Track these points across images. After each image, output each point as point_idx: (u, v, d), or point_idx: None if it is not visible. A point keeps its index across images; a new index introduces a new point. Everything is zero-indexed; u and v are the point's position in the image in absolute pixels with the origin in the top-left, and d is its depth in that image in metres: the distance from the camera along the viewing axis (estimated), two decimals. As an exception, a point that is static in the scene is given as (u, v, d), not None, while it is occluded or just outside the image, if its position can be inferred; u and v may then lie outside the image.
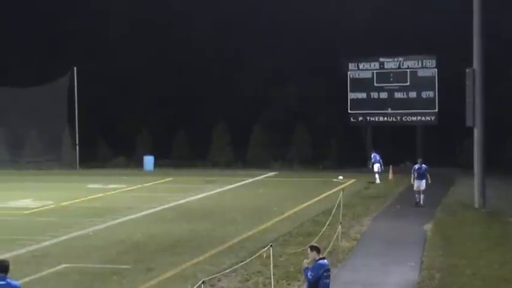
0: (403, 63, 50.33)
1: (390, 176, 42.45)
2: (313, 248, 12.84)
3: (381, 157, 41.60)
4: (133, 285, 17.40)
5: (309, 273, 12.54)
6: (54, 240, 23.59)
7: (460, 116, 31.97)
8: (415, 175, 31.22)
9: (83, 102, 53.85)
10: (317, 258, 12.64)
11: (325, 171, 48.66)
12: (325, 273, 12.56)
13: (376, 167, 41.15)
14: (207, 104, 57.45)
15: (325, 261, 12.74)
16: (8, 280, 11.03)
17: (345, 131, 53.40)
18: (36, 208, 31.50)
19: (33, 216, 29.20)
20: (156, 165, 52.59)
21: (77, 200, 34.07)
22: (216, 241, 23.03)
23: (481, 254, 20.20)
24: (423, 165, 31.48)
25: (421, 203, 30.87)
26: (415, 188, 31.30)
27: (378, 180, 40.56)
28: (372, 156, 41.90)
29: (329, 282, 12.70)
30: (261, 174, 47.34)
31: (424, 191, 30.99)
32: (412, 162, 33.71)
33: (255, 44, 56.29)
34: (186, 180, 43.61)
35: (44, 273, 18.80)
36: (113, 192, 37.94)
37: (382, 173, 41.37)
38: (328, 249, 20.03)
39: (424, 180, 31.04)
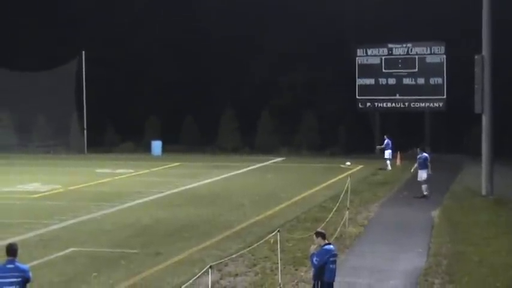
0: (411, 49, 50.28)
1: (398, 162, 42.39)
2: (318, 234, 12.84)
3: (392, 143, 41.36)
4: (141, 269, 17.46)
5: (314, 259, 12.54)
6: (62, 224, 23.68)
7: (468, 102, 31.82)
8: (417, 164, 30.14)
9: (91, 86, 53.91)
10: (322, 244, 12.63)
11: (332, 157, 48.73)
12: (331, 259, 12.55)
13: (388, 153, 40.90)
14: (216, 90, 57.44)
15: (331, 246, 12.72)
16: (17, 263, 11.10)
17: (353, 117, 53.33)
18: (45, 192, 31.63)
19: (41, 200, 29.32)
20: (164, 150, 52.74)
21: (85, 185, 34.19)
22: (224, 226, 23.08)
23: (488, 241, 20.19)
24: (423, 153, 30.02)
25: (424, 193, 29.47)
26: (417, 179, 30.10)
27: (389, 167, 40.39)
28: (386, 142, 41.41)
29: (335, 268, 12.69)
30: (268, 160, 47.39)
31: (425, 181, 29.57)
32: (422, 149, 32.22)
33: (263, 30, 56.18)
34: (194, 166, 43.69)
35: (52, 256, 18.88)
36: (121, 176, 38.03)
37: (391, 159, 41.28)
38: (335, 235, 20.09)
39: (424, 170, 29.57)
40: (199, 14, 58.43)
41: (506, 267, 17.27)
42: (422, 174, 29.80)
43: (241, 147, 54.10)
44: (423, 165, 29.82)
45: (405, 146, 46.56)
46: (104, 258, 18.68)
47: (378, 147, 42.29)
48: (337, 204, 23.23)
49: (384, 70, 50.68)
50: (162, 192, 31.54)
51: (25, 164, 45.19)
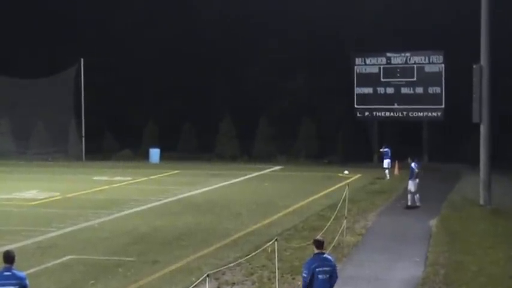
0: (410, 59, 50.33)
1: (396, 171, 42.38)
2: (313, 241, 12.20)
3: (391, 152, 41.32)
4: (138, 277, 17.42)
5: (303, 271, 11.87)
6: (60, 232, 23.65)
7: (467, 111, 31.81)
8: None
9: (89, 94, 53.92)
10: (316, 252, 11.94)
11: (330, 166, 48.69)
12: (317, 269, 11.61)
13: (386, 162, 40.86)
14: (214, 97, 57.47)
15: (323, 256, 11.90)
16: (14, 271, 11.06)
17: (351, 126, 53.35)
18: (42, 199, 31.59)
19: (39, 208, 29.27)
20: (162, 157, 52.70)
21: (82, 192, 34.15)
22: (221, 234, 23.06)
23: (486, 251, 20.17)
24: (412, 163, 29.79)
25: (409, 203, 29.33)
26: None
27: (387, 176, 40.36)
28: (386, 151, 41.43)
29: (326, 279, 11.68)
30: (266, 168, 47.38)
31: (414, 192, 29.42)
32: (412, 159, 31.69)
33: (262, 37, 56.26)
34: (192, 174, 43.66)
35: (49, 264, 18.84)
36: (119, 184, 38.01)
37: (389, 168, 41.22)
38: (333, 244, 20.07)
39: (410, 181, 29.50)
40: (198, 21, 58.51)
41: (504, 277, 17.26)
42: (409, 184, 29.76)
43: (239, 155, 54.08)
44: (411, 175, 29.75)
45: (403, 155, 46.52)
46: (101, 266, 18.65)
47: (381, 150, 42.20)
48: (335, 213, 23.21)
49: (382, 79, 50.74)
50: (160, 200, 31.51)
51: (23, 171, 45.15)
